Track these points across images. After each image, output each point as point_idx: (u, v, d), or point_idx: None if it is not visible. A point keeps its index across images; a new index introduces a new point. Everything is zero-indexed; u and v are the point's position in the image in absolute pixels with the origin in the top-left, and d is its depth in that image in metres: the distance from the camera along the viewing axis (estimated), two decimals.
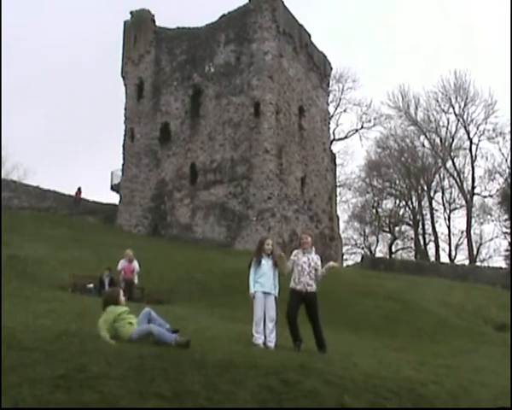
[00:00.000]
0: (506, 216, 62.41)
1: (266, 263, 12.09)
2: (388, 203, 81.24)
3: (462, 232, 73.89)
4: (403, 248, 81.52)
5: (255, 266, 12.06)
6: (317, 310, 12.21)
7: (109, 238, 39.04)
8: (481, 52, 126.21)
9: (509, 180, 66.71)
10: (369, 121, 77.46)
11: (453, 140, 73.24)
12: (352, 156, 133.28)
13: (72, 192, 52.33)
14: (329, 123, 57.98)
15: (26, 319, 11.69)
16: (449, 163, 73.02)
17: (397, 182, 78.91)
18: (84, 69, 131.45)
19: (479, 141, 72.28)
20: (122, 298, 10.84)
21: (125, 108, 52.59)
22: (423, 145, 76.11)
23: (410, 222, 78.15)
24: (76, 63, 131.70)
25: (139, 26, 53.05)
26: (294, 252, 12.56)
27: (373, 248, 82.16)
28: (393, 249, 79.82)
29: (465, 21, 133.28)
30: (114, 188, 55.18)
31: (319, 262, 12.38)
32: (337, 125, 76.44)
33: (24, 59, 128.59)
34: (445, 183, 75.80)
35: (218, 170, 45.88)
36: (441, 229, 76.67)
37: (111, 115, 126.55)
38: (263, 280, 11.96)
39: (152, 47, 52.14)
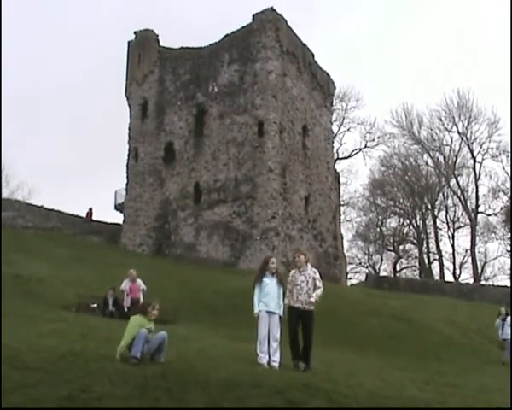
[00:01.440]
0: (510, 234, 62.29)
1: (271, 282, 12.05)
2: (392, 222, 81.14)
3: (467, 251, 73.60)
4: (407, 267, 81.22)
5: (258, 285, 12.04)
6: (312, 328, 12.23)
7: (113, 258, 39.02)
8: (484, 71, 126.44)
9: None
10: (373, 140, 77.46)
11: (457, 158, 73.25)
12: (355, 175, 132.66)
13: (77, 212, 52.53)
14: (333, 142, 58.09)
15: (29, 338, 11.68)
16: (453, 181, 72.97)
17: (401, 200, 78.81)
18: (88, 89, 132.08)
19: (482, 159, 72.24)
20: (153, 312, 10.92)
21: (129, 128, 52.72)
22: (427, 164, 76.13)
23: (415, 241, 77.94)
24: (80, 83, 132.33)
25: (143, 46, 53.28)
26: (291, 272, 12.63)
27: (377, 267, 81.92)
28: (398, 268, 79.53)
29: (468, 40, 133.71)
30: (118, 207, 55.20)
31: (317, 275, 12.44)
32: (341, 144, 76.55)
33: (28, 79, 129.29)
34: (449, 201, 75.69)
35: (221, 189, 45.89)
36: (445, 247, 76.36)
37: (115, 135, 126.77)
38: (267, 299, 11.91)
39: (156, 67, 52.34)
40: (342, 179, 68.82)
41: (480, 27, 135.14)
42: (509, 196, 69.18)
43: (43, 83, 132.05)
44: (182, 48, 52.00)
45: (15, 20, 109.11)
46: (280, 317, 12.09)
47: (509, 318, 23.53)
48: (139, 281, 24.04)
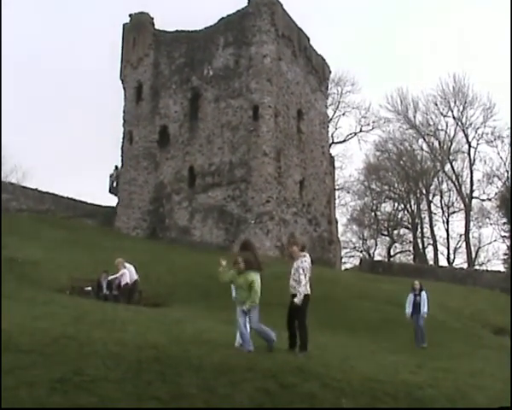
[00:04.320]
0: (505, 220, 62.41)
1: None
2: (387, 207, 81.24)
3: (461, 236, 73.84)
4: (401, 252, 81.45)
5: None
6: (298, 312, 12.20)
7: (107, 241, 39.00)
8: (480, 55, 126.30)
9: (507, 184, 66.74)
10: (368, 125, 77.48)
11: (452, 143, 73.30)
12: (350, 159, 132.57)
13: (71, 195, 52.37)
14: (328, 126, 57.95)
15: (23, 321, 11.67)
16: (447, 166, 73.06)
17: (395, 185, 78.85)
18: (82, 72, 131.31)
19: (477, 144, 72.33)
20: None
21: (124, 111, 52.52)
22: (422, 149, 76.13)
23: (409, 225, 78.07)
24: (74, 65, 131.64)
25: (138, 29, 52.97)
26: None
27: (371, 252, 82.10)
28: (392, 253, 79.73)
29: (464, 24, 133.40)
30: (113, 191, 55.09)
31: (303, 264, 12.41)
32: (336, 129, 76.44)
33: (21, 61, 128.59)
34: (444, 186, 75.82)
35: (216, 173, 45.83)
36: (440, 232, 76.54)
37: (110, 118, 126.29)
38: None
39: (151, 50, 52.08)
40: (337, 164, 68.90)
41: (478, 13, 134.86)
42: (503, 181, 69.39)
43: (37, 64, 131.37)
44: (177, 31, 51.75)
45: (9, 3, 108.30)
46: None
47: (423, 293, 21.70)
48: (131, 268, 24.12)
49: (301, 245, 12.99)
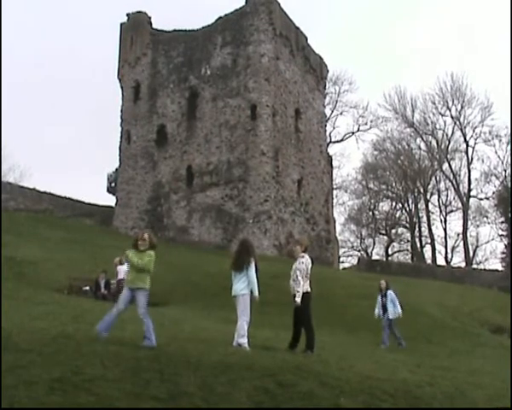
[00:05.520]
0: (502, 218, 62.48)
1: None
2: (385, 206, 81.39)
3: (459, 235, 73.94)
4: (399, 251, 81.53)
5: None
6: (302, 313, 12.19)
7: (105, 240, 38.99)
8: (478, 54, 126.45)
9: (505, 182, 66.81)
10: (366, 124, 77.55)
11: (449, 142, 73.35)
12: (348, 159, 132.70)
13: (69, 195, 52.40)
14: (326, 125, 58.06)
15: (22, 320, 11.67)
16: (445, 166, 73.11)
17: (393, 184, 78.93)
18: (80, 71, 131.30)
19: (475, 143, 72.47)
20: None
21: (122, 111, 52.57)
22: (420, 148, 76.26)
23: (407, 224, 78.18)
24: (72, 65, 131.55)
25: (136, 28, 53.01)
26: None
27: (369, 251, 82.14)
28: (390, 252, 79.85)
29: (462, 23, 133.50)
30: (111, 190, 55.12)
31: (301, 265, 12.40)
32: (333, 128, 76.53)
33: (19, 60, 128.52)
34: (442, 185, 75.94)
35: (214, 172, 45.88)
36: (437, 231, 76.67)
37: (107, 117, 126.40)
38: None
39: (148, 49, 52.13)
40: (335, 163, 68.97)
41: (477, 13, 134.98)
42: (501, 180, 69.44)
43: (35, 64, 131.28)
44: (174, 30, 51.82)
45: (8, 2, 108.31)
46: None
47: (390, 292, 21.16)
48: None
49: (305, 246, 12.99)
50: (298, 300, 12.14)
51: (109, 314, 10.82)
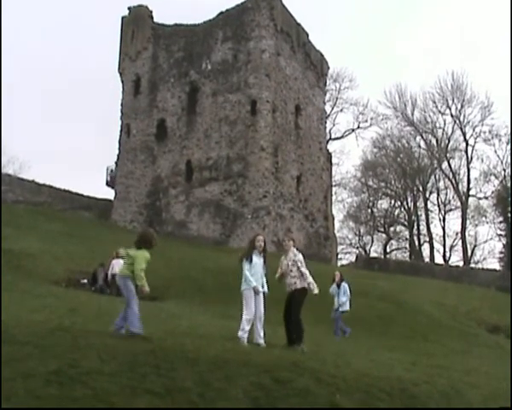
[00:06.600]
0: (501, 218, 62.59)
1: (258, 260, 11.88)
2: (383, 203, 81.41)
3: (457, 234, 74.03)
4: (397, 249, 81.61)
5: (249, 262, 11.83)
6: (296, 306, 12.11)
7: (104, 234, 39.00)
8: (479, 54, 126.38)
9: (504, 182, 66.84)
10: (366, 121, 77.54)
11: (449, 141, 73.35)
12: (347, 156, 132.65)
13: (68, 187, 52.34)
14: (326, 122, 58.08)
15: (19, 313, 11.67)
16: (444, 164, 73.11)
17: (392, 182, 78.95)
18: (80, 64, 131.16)
19: (475, 143, 72.51)
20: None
21: (122, 104, 52.56)
22: (419, 146, 76.29)
23: (405, 223, 78.24)
24: (72, 58, 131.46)
25: (137, 22, 52.97)
26: (281, 258, 12.58)
27: (368, 248, 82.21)
28: (388, 250, 79.89)
29: (463, 22, 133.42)
30: (110, 183, 55.10)
31: (298, 257, 12.32)
32: (333, 125, 76.58)
33: (20, 53, 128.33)
34: (441, 184, 76.00)
35: (213, 167, 45.88)
36: (436, 230, 76.90)
37: (107, 110, 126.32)
38: (254, 279, 11.73)
39: (149, 43, 52.09)
40: (334, 160, 69.02)
41: (477, 12, 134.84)
42: (500, 179, 69.46)
43: (35, 56, 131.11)
44: (175, 25, 51.79)
45: None
46: (264, 294, 11.98)
47: (344, 284, 20.65)
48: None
49: (296, 245, 12.95)
50: (316, 290, 12.12)
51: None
